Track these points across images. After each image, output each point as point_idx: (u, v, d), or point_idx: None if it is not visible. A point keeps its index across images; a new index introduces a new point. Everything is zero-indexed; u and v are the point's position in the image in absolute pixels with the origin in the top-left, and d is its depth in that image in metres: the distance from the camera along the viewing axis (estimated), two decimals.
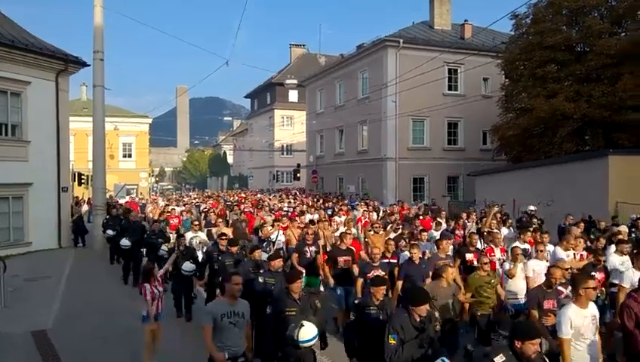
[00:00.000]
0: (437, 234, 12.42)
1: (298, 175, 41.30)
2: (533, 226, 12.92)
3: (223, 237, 9.98)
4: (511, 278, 8.34)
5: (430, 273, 8.49)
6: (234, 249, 9.50)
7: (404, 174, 29.61)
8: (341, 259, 9.56)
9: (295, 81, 44.94)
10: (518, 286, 8.27)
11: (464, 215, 15.04)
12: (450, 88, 30.18)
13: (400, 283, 8.68)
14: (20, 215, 18.97)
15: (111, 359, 8.16)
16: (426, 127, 30.23)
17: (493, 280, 7.92)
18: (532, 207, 16.93)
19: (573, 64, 22.87)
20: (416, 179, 30.30)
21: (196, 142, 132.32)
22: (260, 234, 13.51)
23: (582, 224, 13.12)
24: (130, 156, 50.57)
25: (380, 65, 29.76)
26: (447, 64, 28.78)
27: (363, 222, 16.26)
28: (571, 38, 23.27)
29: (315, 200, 25.76)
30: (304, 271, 9.50)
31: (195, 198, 31.43)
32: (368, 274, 8.29)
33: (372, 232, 12.45)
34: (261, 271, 7.99)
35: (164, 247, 12.25)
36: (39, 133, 19.25)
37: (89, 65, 20.91)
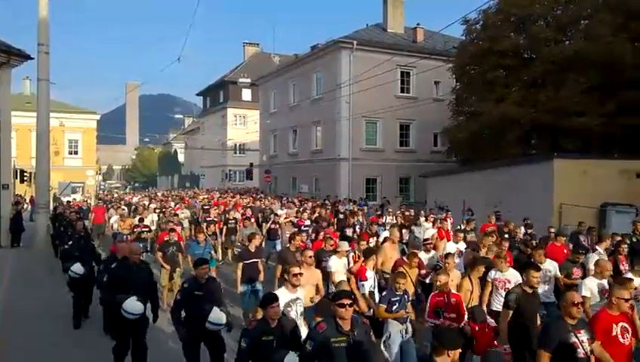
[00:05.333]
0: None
1: (251, 174, 41.06)
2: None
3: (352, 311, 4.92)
4: None
5: None
6: None
7: (358, 175, 29.85)
8: None
9: (248, 80, 44.82)
10: None
11: (616, 238, 10.66)
12: (402, 91, 30.62)
13: None
14: None
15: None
16: (378, 129, 30.57)
17: None
18: None
19: (520, 70, 23.61)
20: (369, 180, 30.60)
21: (146, 139, 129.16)
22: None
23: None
24: (76, 153, 48.89)
25: (334, 66, 29.90)
26: (399, 67, 29.20)
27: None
28: (519, 45, 24.03)
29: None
30: None
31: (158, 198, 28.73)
32: None
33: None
34: None
35: (217, 317, 6.09)
36: None
37: (33, 59, 20.11)
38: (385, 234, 11.68)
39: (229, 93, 55.16)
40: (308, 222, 14.74)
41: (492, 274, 7.81)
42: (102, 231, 19.39)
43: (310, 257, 7.51)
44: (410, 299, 7.12)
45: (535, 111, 22.11)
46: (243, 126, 53.98)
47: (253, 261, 9.24)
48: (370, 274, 7.93)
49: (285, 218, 16.35)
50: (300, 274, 6.35)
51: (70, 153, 48.31)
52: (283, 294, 5.98)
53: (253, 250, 9.36)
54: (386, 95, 28.01)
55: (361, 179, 30.10)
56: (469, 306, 7.00)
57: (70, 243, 10.35)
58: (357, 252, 9.38)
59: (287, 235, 12.89)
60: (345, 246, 8.94)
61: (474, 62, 25.07)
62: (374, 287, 7.94)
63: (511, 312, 6.27)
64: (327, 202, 22.01)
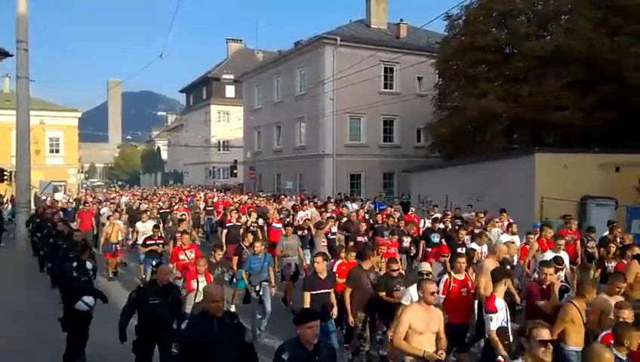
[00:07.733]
0: None
1: (235, 171, 40.91)
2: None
3: None
4: None
5: None
6: None
7: (342, 171, 29.86)
8: None
9: (232, 77, 44.52)
10: None
11: None
12: (386, 86, 30.64)
13: None
14: None
15: None
16: (362, 125, 30.59)
17: None
18: None
19: (502, 65, 23.80)
20: (353, 176, 30.63)
21: (128, 137, 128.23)
22: None
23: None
24: (57, 151, 48.31)
25: (318, 62, 29.83)
26: (383, 62, 29.28)
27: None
28: (500, 40, 24.22)
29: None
30: None
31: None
32: None
33: None
34: None
35: None
36: None
37: (12, 56, 19.83)
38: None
39: (213, 89, 54.91)
40: (335, 229, 13.02)
41: None
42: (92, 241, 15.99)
43: (432, 294, 5.36)
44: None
45: (517, 106, 22.30)
46: (226, 123, 53.77)
47: (324, 291, 7.11)
48: (500, 303, 5.79)
49: (323, 222, 13.07)
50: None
51: (51, 151, 47.71)
52: None
53: (324, 277, 7.18)
54: (370, 91, 28.02)
55: (346, 175, 30.13)
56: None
57: (75, 264, 7.50)
58: (452, 273, 7.06)
59: (323, 244, 11.45)
60: (427, 267, 7.07)
61: (456, 57, 25.18)
62: (507, 321, 5.80)
63: None
64: (330, 201, 20.47)
